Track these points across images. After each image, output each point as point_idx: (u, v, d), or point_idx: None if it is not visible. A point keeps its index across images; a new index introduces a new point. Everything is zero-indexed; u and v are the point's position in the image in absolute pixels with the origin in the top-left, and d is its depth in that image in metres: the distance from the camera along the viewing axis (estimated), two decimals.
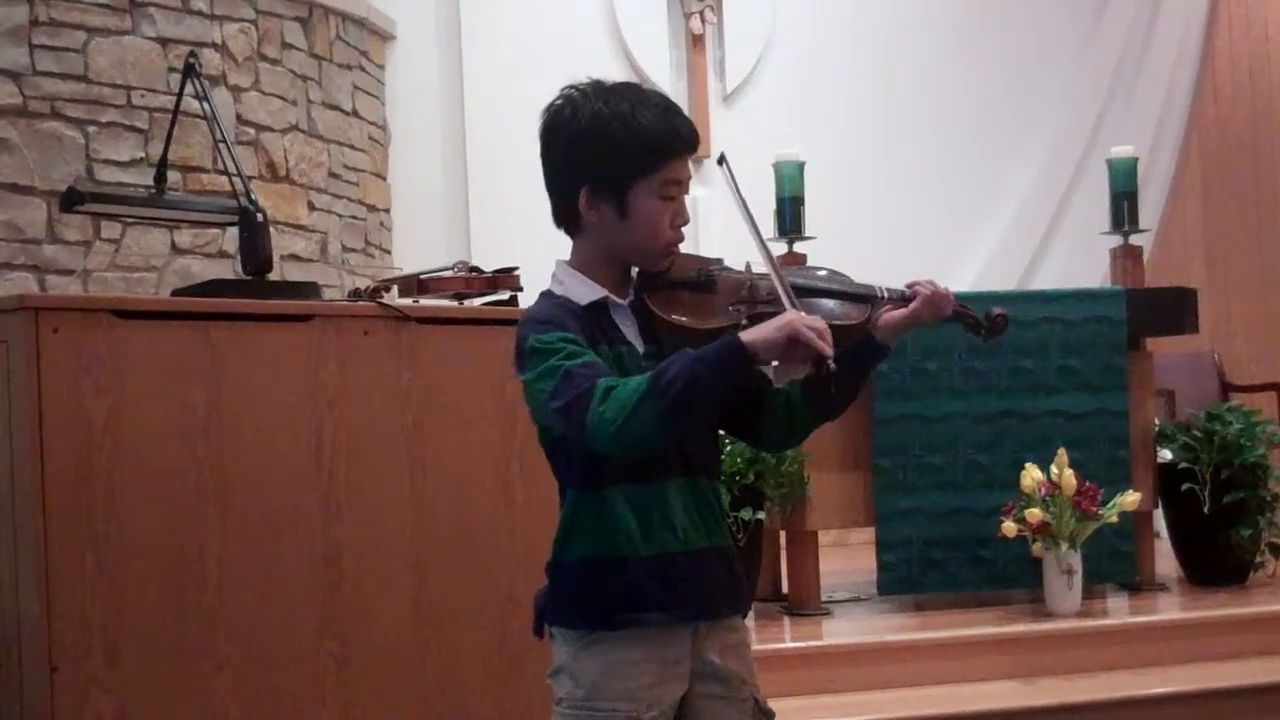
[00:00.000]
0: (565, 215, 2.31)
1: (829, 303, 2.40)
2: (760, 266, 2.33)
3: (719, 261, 2.38)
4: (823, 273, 2.46)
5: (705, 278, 2.32)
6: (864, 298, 2.39)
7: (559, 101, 2.29)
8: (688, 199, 2.32)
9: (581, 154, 2.25)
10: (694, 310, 2.28)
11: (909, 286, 2.34)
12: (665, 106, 2.28)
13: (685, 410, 2.07)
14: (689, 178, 2.32)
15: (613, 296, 2.28)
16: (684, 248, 2.34)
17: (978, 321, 2.45)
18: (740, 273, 2.36)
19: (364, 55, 7.20)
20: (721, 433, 2.47)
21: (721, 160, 2.40)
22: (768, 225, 5.40)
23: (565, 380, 2.11)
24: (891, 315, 2.33)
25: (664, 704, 2.25)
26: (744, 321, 2.29)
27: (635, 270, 2.32)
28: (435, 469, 3.30)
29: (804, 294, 2.38)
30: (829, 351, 2.06)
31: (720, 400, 2.17)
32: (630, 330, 2.28)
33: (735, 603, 2.38)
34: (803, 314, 2.10)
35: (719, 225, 6.72)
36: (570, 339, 2.17)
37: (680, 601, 2.24)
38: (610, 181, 2.24)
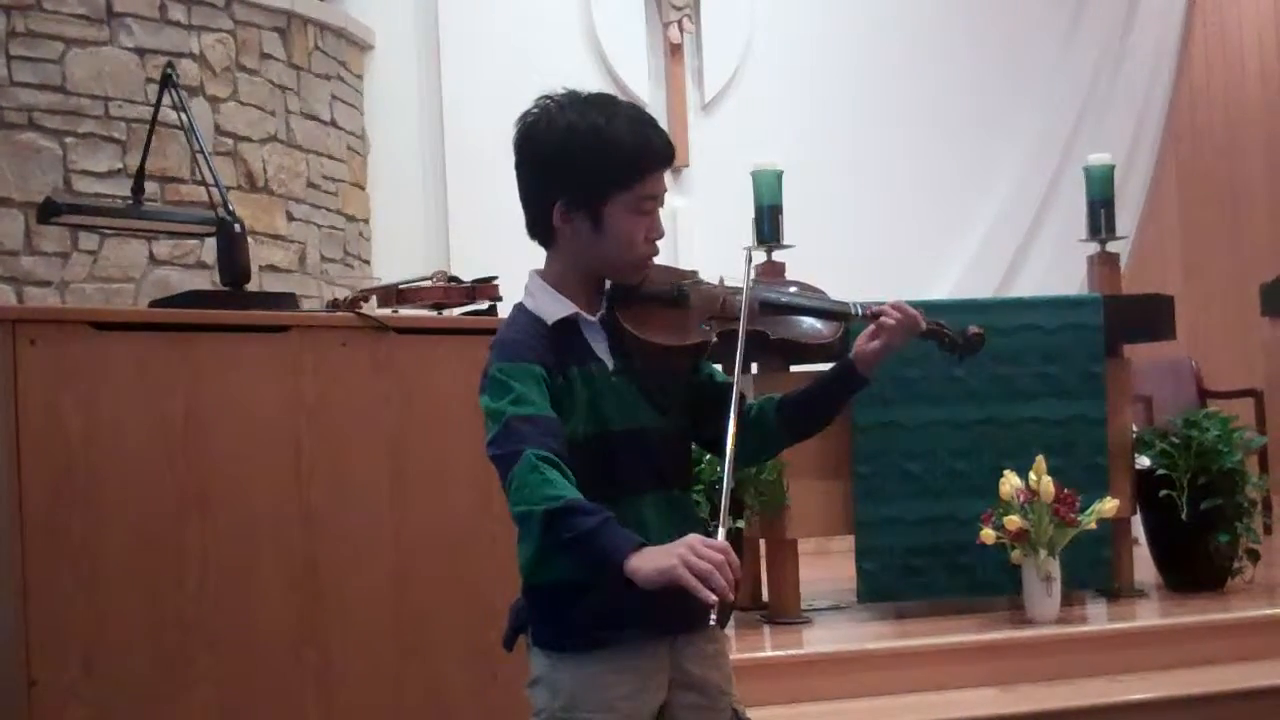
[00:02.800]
0: (539, 227, 2.29)
1: (803, 320, 2.40)
2: (733, 280, 2.33)
3: (694, 275, 2.37)
4: (793, 289, 2.45)
5: (678, 293, 2.31)
6: (837, 314, 2.39)
7: (534, 112, 2.27)
8: (665, 210, 2.32)
9: (555, 167, 2.24)
10: (665, 327, 2.27)
11: (875, 315, 2.34)
12: (640, 119, 2.26)
13: (557, 553, 2.10)
14: (664, 191, 2.30)
15: (583, 314, 2.27)
16: (662, 258, 2.34)
17: (954, 340, 2.44)
18: (714, 287, 2.35)
19: (342, 65, 7.19)
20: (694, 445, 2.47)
21: (749, 259, 2.40)
22: (746, 234, 5.41)
23: (504, 431, 2.12)
24: (866, 349, 2.33)
25: (642, 714, 2.26)
26: (714, 339, 2.29)
27: (609, 283, 2.32)
28: (414, 479, 3.29)
29: (777, 310, 2.38)
30: (710, 599, 1.93)
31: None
32: (600, 346, 2.27)
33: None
34: (699, 544, 1.97)
35: (697, 236, 6.73)
36: (530, 373, 2.17)
37: (659, 617, 2.23)
38: (584, 195, 2.22)
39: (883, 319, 2.33)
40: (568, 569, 2.21)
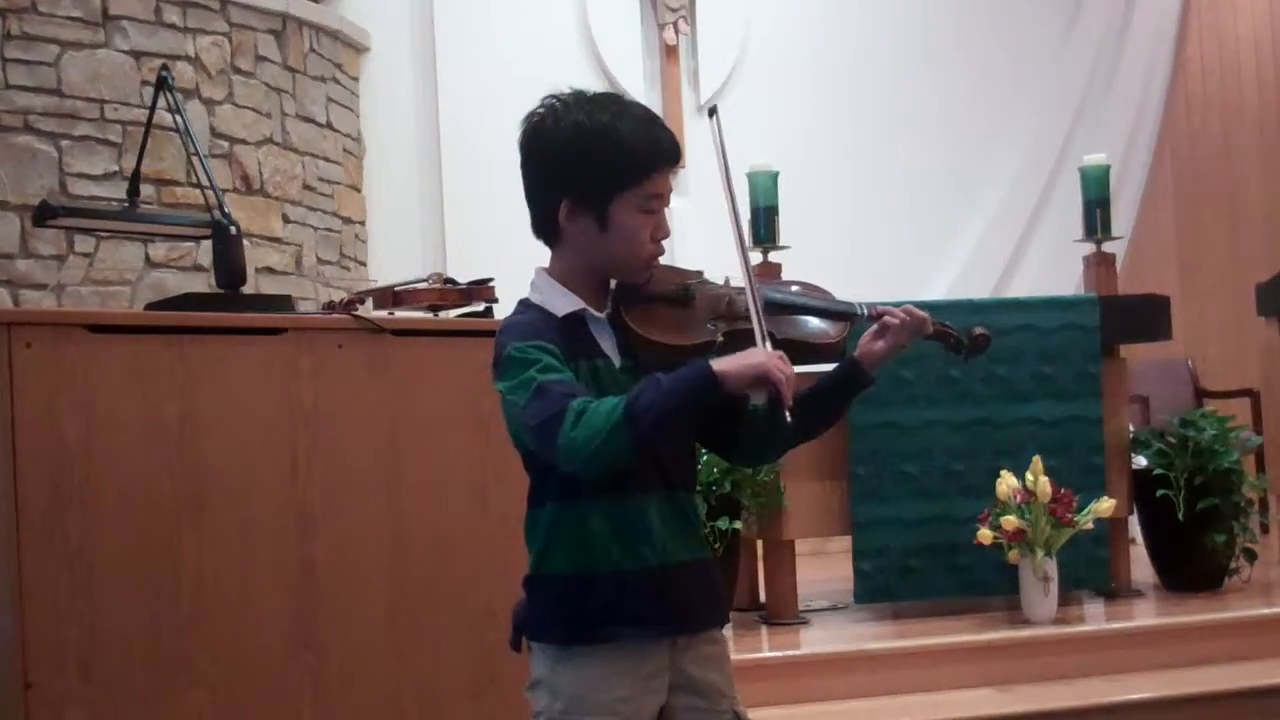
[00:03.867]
0: (545, 226, 2.30)
1: (808, 320, 2.40)
2: (739, 280, 2.33)
3: (699, 275, 2.37)
4: (795, 288, 2.45)
5: (683, 292, 2.31)
6: (842, 315, 2.39)
7: (540, 111, 2.27)
8: (666, 209, 2.32)
9: (562, 166, 2.24)
10: (671, 326, 2.27)
11: (882, 317, 2.35)
12: (647, 119, 2.27)
13: (657, 438, 2.09)
14: (670, 191, 2.30)
15: (590, 309, 2.27)
16: (663, 258, 2.34)
17: (959, 341, 2.44)
18: (719, 287, 2.35)
19: (338, 67, 7.18)
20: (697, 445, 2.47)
21: (713, 113, 2.40)
22: (744, 235, 5.41)
23: (538, 396, 2.11)
24: (872, 348, 2.34)
25: (642, 717, 2.25)
26: (720, 339, 2.29)
27: (615, 282, 2.32)
28: (411, 481, 3.29)
29: (782, 310, 2.37)
30: (789, 401, 2.07)
31: (690, 425, 2.21)
32: (608, 343, 2.27)
33: (714, 616, 2.38)
34: (773, 353, 2.10)
35: (698, 235, 6.72)
36: (547, 349, 2.17)
37: (659, 616, 2.24)
38: (591, 194, 2.23)
39: (888, 318, 2.34)
40: (574, 561, 2.22)
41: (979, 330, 2.44)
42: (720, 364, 2.08)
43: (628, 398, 2.06)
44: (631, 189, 2.23)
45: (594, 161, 2.22)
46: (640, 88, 7.77)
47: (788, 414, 2.10)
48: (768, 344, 2.16)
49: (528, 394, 2.12)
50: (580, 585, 2.23)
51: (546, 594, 2.28)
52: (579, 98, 2.27)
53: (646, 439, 2.06)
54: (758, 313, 2.21)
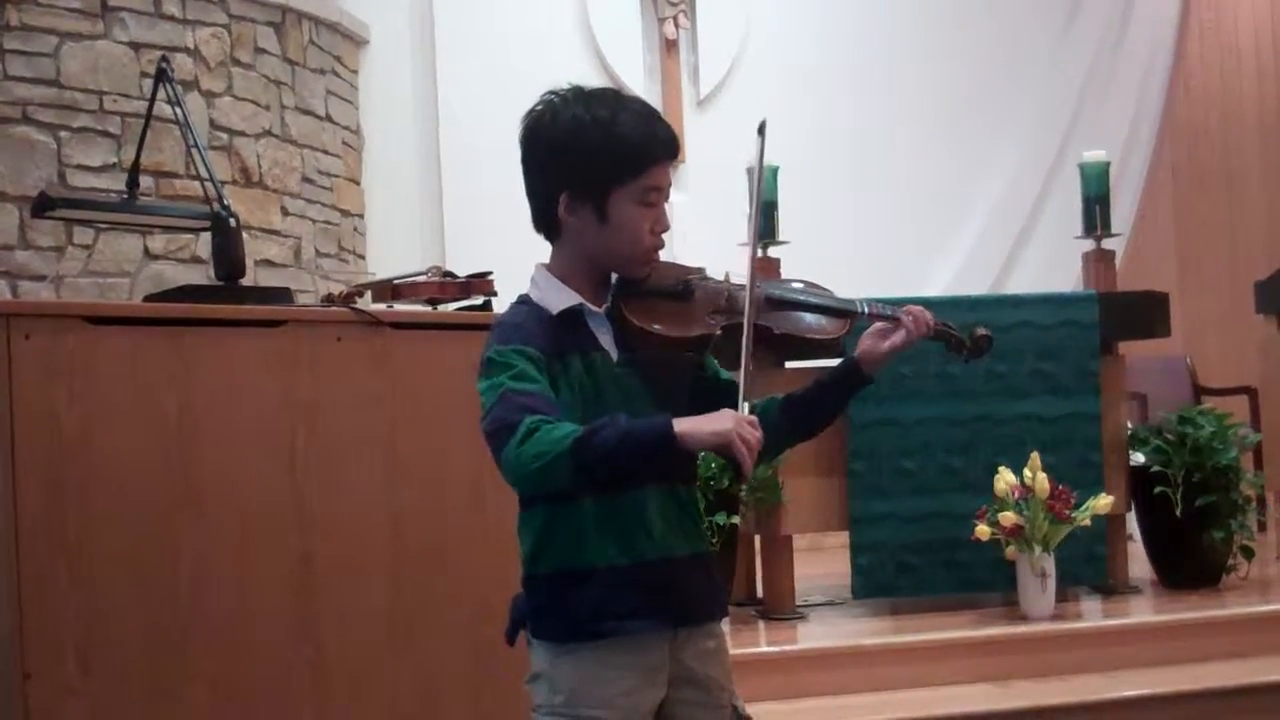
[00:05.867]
0: (545, 221, 2.31)
1: (807, 316, 2.41)
2: (739, 278, 2.33)
3: (700, 271, 2.38)
4: (799, 286, 2.46)
5: (683, 287, 2.32)
6: (843, 312, 2.40)
7: (539, 107, 2.29)
8: (665, 203, 2.33)
9: (561, 160, 2.25)
10: (670, 319, 2.28)
11: (880, 315, 2.35)
12: (646, 113, 2.29)
13: (598, 479, 2.11)
14: (669, 185, 2.32)
15: (588, 304, 2.28)
16: (663, 254, 2.35)
17: (961, 341, 2.45)
18: (720, 283, 2.36)
19: (338, 60, 7.18)
20: None
21: (761, 130, 2.41)
22: (742, 231, 5.40)
23: (500, 402, 2.13)
24: (873, 349, 2.35)
25: (642, 710, 2.26)
26: (718, 332, 2.29)
27: (615, 277, 2.32)
28: (409, 475, 3.29)
29: (781, 306, 2.38)
30: (747, 473, 2.07)
31: (637, 479, 2.21)
32: (605, 338, 2.28)
33: (714, 609, 2.39)
34: (744, 420, 2.08)
35: (693, 233, 6.72)
36: (527, 355, 2.18)
37: (659, 609, 2.25)
38: (590, 188, 2.24)
39: (899, 315, 2.35)
40: (567, 559, 2.23)
41: (981, 331, 2.45)
42: (684, 424, 2.07)
43: (583, 431, 2.06)
44: (630, 182, 2.24)
45: (592, 155, 2.23)
46: (640, 82, 7.77)
47: (742, 487, 2.11)
48: (745, 407, 2.14)
49: (493, 399, 2.14)
50: (574, 582, 2.24)
51: (542, 592, 2.29)
52: (577, 93, 2.28)
53: (587, 477, 2.08)
54: (747, 355, 2.20)
